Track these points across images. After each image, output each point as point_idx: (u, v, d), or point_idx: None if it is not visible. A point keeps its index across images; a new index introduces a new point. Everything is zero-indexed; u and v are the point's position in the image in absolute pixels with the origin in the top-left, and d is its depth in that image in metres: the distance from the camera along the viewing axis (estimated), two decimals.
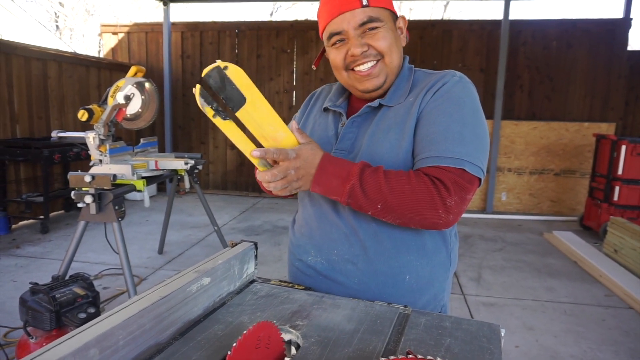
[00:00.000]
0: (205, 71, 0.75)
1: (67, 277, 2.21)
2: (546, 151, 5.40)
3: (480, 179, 0.88)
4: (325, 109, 1.08)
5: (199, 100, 0.76)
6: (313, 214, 1.02)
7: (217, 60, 0.77)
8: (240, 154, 6.25)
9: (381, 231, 0.94)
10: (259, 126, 0.79)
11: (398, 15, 0.99)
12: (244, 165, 6.27)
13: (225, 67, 0.75)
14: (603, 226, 4.28)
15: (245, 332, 0.58)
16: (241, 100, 0.76)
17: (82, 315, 2.01)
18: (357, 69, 0.94)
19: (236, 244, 0.96)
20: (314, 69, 1.16)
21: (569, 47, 5.50)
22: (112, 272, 3.24)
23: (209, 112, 0.76)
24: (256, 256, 0.98)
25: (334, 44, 0.95)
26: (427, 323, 0.79)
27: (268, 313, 0.81)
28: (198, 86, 0.76)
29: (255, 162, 0.83)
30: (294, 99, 6.07)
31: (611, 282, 3.24)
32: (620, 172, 4.27)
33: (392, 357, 0.64)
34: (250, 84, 0.77)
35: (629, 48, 5.43)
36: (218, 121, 0.77)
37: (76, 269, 2.49)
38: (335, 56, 0.97)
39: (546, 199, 5.50)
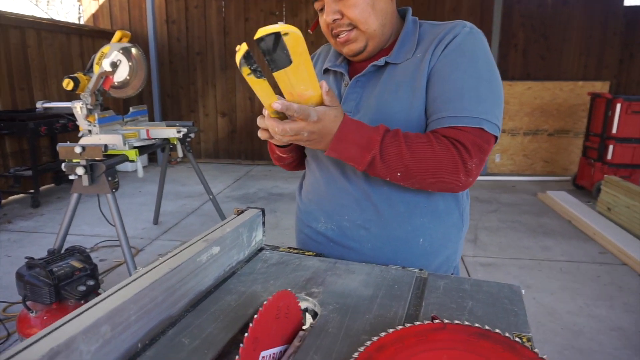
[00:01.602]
0: (260, 33, 0.66)
1: (63, 251, 2.17)
2: (540, 111, 5.37)
3: (497, 137, 0.85)
4: (326, 70, 1.03)
5: (239, 61, 0.68)
6: (321, 178, 0.98)
7: (278, 23, 0.68)
8: (231, 122, 6.14)
9: (394, 195, 0.90)
10: (291, 85, 0.72)
11: None
12: (236, 132, 6.17)
13: (286, 34, 0.66)
14: (596, 185, 4.31)
15: (265, 302, 0.55)
16: (286, 63, 0.68)
17: (82, 288, 1.98)
18: (336, 36, 0.92)
19: (242, 211, 0.92)
20: (311, 32, 1.09)
21: (564, 3, 5.37)
22: (108, 244, 3.21)
23: (244, 71, 0.68)
24: (264, 223, 0.95)
25: (318, 9, 0.93)
26: (446, 286, 0.77)
27: (281, 281, 0.78)
28: (244, 46, 0.67)
29: (270, 110, 0.76)
30: None
31: (605, 240, 3.29)
32: (614, 130, 4.26)
33: (417, 323, 0.62)
34: (303, 50, 0.68)
35: (625, 3, 5.32)
36: (250, 79, 0.69)
37: (71, 242, 2.45)
38: (321, 22, 0.94)
39: (540, 160, 5.51)
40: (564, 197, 4.28)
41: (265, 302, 0.55)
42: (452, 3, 5.54)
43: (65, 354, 0.47)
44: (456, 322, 0.61)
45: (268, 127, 0.78)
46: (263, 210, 0.94)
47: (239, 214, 0.91)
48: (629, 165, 4.30)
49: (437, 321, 0.62)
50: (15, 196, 4.36)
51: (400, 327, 0.61)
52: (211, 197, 3.44)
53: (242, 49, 0.68)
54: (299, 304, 0.66)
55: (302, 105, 0.73)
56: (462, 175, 0.81)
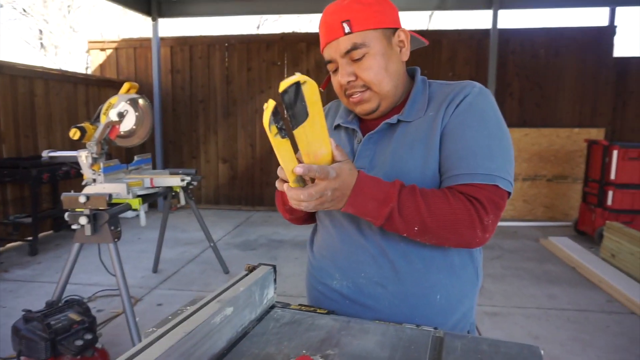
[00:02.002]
0: (284, 85, 0.68)
1: (61, 302, 2.13)
2: (538, 157, 5.44)
3: (510, 193, 0.86)
4: (337, 127, 1.05)
5: (268, 118, 0.69)
6: (335, 234, 0.98)
7: (296, 74, 0.70)
8: (232, 168, 6.19)
9: (410, 251, 0.90)
10: (308, 143, 0.74)
11: (398, 28, 0.93)
12: (236, 179, 6.20)
13: (304, 82, 0.68)
14: (598, 231, 4.30)
15: None
16: (304, 117, 0.70)
17: (79, 342, 1.93)
18: (350, 96, 0.94)
19: (254, 268, 0.91)
20: (322, 90, 1.13)
21: (556, 55, 5.58)
22: (106, 294, 3.15)
23: (273, 130, 0.69)
24: (275, 280, 0.94)
25: (332, 70, 0.96)
26: (464, 347, 0.75)
27: (295, 342, 0.76)
28: (272, 103, 0.69)
29: (291, 178, 0.77)
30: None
31: (611, 288, 3.24)
32: (612, 177, 4.30)
33: None
34: (317, 100, 0.70)
35: (615, 55, 5.52)
36: (276, 140, 0.70)
37: (69, 291, 2.40)
38: (333, 81, 0.98)
39: (540, 205, 5.52)
40: (567, 243, 4.25)
41: None
42: (448, 53, 5.75)
43: None
44: None
45: (292, 198, 0.78)
46: (274, 267, 0.93)
47: (250, 271, 0.90)
48: (629, 211, 4.31)
49: None
50: (13, 244, 4.31)
51: None
52: (212, 244, 3.42)
53: (270, 105, 0.69)
54: None
55: (321, 165, 0.75)
56: (479, 231, 0.82)
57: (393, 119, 0.94)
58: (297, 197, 0.77)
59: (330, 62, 0.94)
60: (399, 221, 0.82)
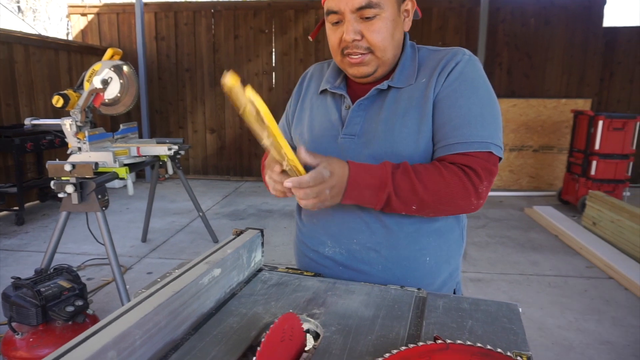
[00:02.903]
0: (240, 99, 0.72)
1: (50, 270, 2.13)
2: (525, 128, 5.48)
3: (501, 158, 0.89)
4: (323, 92, 1.02)
5: (260, 101, 0.72)
6: None
7: (232, 81, 0.70)
8: (220, 138, 6.14)
9: (402, 216, 0.91)
10: (281, 152, 0.77)
11: None
12: (225, 149, 6.17)
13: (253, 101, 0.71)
14: (581, 200, 4.40)
15: (271, 325, 0.55)
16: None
17: (70, 309, 1.95)
18: (348, 55, 0.90)
19: (241, 232, 0.92)
20: (311, 40, 1.10)
21: (546, 24, 5.54)
22: (95, 263, 3.16)
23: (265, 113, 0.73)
24: (262, 244, 0.95)
25: (332, 22, 0.90)
26: (446, 305, 0.78)
27: (282, 302, 0.78)
28: (246, 89, 0.71)
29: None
30: (273, 80, 5.96)
31: (591, 254, 3.34)
32: (597, 147, 4.36)
33: (420, 344, 0.63)
34: (267, 111, 0.72)
35: (605, 24, 5.50)
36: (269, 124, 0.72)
37: (58, 261, 2.41)
38: (330, 35, 0.92)
39: (525, 175, 5.60)
40: (551, 212, 4.35)
41: (271, 326, 0.55)
42: (439, 22, 5.67)
43: None
44: (458, 342, 0.62)
45: (296, 195, 0.80)
46: (262, 231, 0.95)
47: (238, 235, 0.91)
48: (612, 181, 4.40)
49: (439, 341, 0.63)
50: None
51: (403, 347, 0.62)
52: (201, 214, 3.42)
53: (248, 90, 0.70)
54: (302, 326, 0.66)
55: (312, 174, 0.77)
56: (474, 199, 0.85)
57: (383, 85, 0.92)
58: (299, 196, 0.79)
59: (333, 13, 0.88)
60: (396, 203, 0.83)
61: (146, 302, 0.62)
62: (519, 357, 0.59)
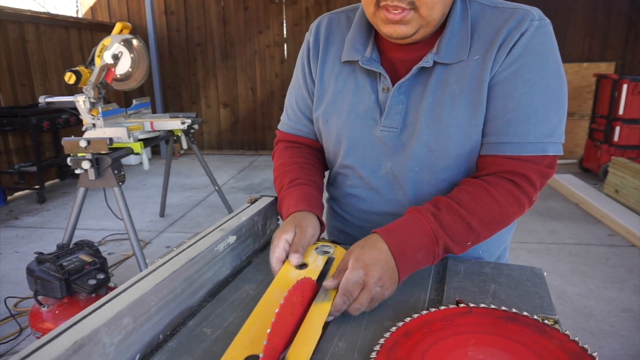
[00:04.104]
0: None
1: (71, 245, 2.17)
2: None
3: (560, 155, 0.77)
4: (350, 61, 0.83)
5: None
6: (370, 199, 0.88)
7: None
8: (233, 113, 6.11)
9: None
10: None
11: None
12: (238, 124, 6.14)
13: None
14: (603, 167, 4.28)
15: (277, 310, 0.53)
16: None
17: (92, 282, 1.99)
18: (386, 8, 0.70)
19: (255, 200, 0.91)
20: None
21: None
22: (115, 238, 3.22)
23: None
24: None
25: None
26: (467, 270, 0.76)
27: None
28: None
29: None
30: (285, 52, 5.86)
31: (613, 222, 3.27)
32: (621, 112, 4.21)
33: (442, 307, 0.61)
34: None
35: None
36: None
37: (78, 237, 2.45)
38: None
39: None
40: (571, 180, 4.25)
41: (280, 302, 0.53)
42: None
43: (89, 346, 0.47)
44: (482, 305, 0.60)
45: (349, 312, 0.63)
46: (276, 198, 0.93)
47: (252, 203, 0.89)
48: (636, 147, 4.26)
49: (462, 305, 0.61)
50: (21, 192, 4.36)
51: (425, 312, 0.60)
52: (217, 188, 3.44)
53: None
54: (316, 286, 0.65)
55: (341, 290, 0.62)
56: (527, 207, 0.76)
57: (427, 61, 0.75)
58: (354, 312, 0.63)
59: None
60: (454, 248, 0.70)
61: (161, 269, 0.61)
62: (546, 321, 0.57)
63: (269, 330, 0.49)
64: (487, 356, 0.51)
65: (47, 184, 4.43)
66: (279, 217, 0.93)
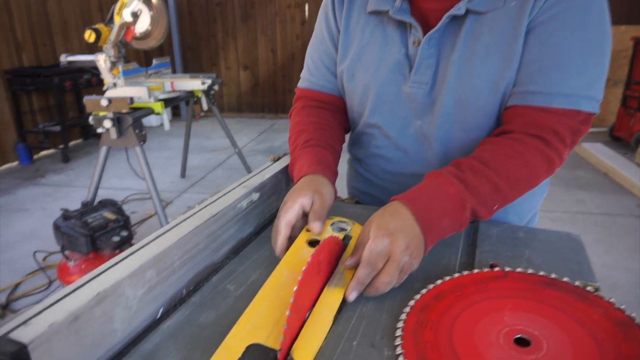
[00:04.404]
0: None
1: (95, 203, 2.21)
2: None
3: (595, 112, 0.68)
4: (377, 12, 0.77)
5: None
6: (395, 160, 0.85)
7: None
8: (253, 75, 6.03)
9: None
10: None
11: None
12: (258, 86, 6.07)
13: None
14: (635, 136, 4.11)
15: (304, 268, 0.50)
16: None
17: (116, 239, 2.02)
18: None
19: (279, 158, 0.88)
20: None
21: None
22: (138, 198, 3.27)
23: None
24: None
25: None
26: (500, 234, 0.72)
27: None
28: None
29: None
30: (306, 13, 5.69)
31: None
32: None
33: (476, 271, 0.58)
34: None
35: None
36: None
37: (102, 196, 2.50)
38: None
39: None
40: (600, 149, 4.10)
41: (308, 260, 0.51)
42: None
43: (112, 298, 0.46)
44: (519, 270, 0.57)
45: (370, 294, 0.57)
46: None
47: (275, 161, 0.87)
48: None
49: (497, 269, 0.58)
50: (46, 151, 4.45)
51: (457, 274, 0.57)
52: (237, 150, 3.43)
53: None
54: (343, 245, 0.63)
55: (364, 261, 0.55)
56: (558, 166, 0.69)
57: (459, 9, 0.69)
58: (377, 293, 0.56)
59: None
60: (483, 212, 0.63)
61: (184, 223, 0.59)
62: (588, 288, 0.53)
63: (291, 300, 0.46)
64: (525, 322, 0.48)
65: (70, 143, 4.50)
66: None
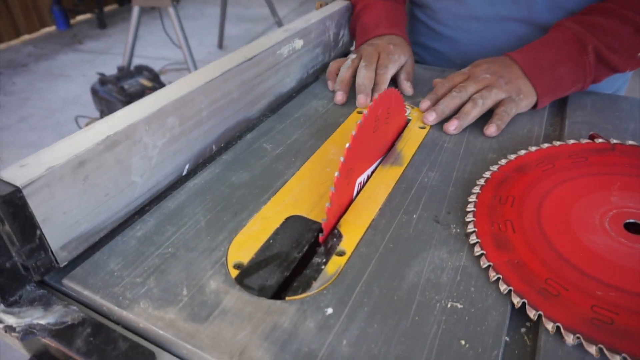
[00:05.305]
0: None
1: (131, 69, 2.14)
2: None
3: None
4: None
5: None
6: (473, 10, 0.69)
7: None
8: None
9: None
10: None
11: None
12: None
13: None
14: None
15: (361, 118, 0.39)
16: None
17: None
18: None
19: (327, 4, 0.73)
20: None
21: None
22: (174, 68, 3.17)
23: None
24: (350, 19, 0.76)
25: None
26: (595, 104, 0.59)
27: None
28: None
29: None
30: None
31: None
32: None
33: (572, 142, 0.46)
34: None
35: None
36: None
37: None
38: None
39: None
40: None
41: (364, 112, 0.40)
42: None
43: (127, 144, 0.38)
44: (630, 142, 0.45)
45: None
46: (352, 5, 0.74)
47: (322, 6, 0.72)
48: None
49: (600, 140, 0.46)
50: (82, 16, 4.30)
51: (547, 145, 0.46)
52: (277, 19, 3.18)
53: None
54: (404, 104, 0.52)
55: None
56: None
57: None
58: (461, 126, 0.52)
59: None
60: (612, 56, 0.54)
61: (213, 65, 0.49)
62: None
63: (337, 174, 0.37)
64: (638, 206, 0.37)
65: (106, 9, 4.31)
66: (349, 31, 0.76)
